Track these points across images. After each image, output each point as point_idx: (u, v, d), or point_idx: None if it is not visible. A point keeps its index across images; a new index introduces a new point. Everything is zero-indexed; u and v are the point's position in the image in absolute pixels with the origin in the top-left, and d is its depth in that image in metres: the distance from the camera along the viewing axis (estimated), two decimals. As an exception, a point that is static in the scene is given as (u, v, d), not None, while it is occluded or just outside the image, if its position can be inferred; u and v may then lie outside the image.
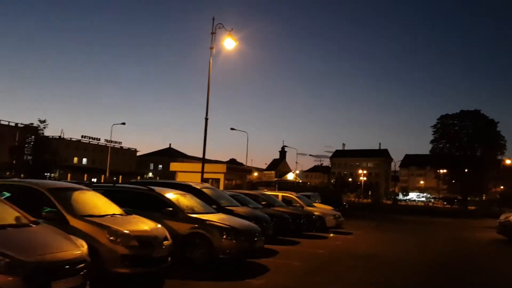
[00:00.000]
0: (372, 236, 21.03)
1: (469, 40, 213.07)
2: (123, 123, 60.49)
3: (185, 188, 13.35)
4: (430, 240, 20.40)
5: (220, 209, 12.51)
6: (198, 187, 13.64)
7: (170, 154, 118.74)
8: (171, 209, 10.45)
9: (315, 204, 22.86)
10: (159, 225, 9.03)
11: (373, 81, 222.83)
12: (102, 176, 73.53)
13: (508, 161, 68.14)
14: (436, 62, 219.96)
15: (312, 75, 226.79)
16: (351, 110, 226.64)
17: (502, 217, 23.03)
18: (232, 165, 52.76)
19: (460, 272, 12.08)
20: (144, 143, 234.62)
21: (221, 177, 48.03)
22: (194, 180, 43.75)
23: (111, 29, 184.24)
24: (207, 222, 10.28)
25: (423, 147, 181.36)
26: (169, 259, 8.63)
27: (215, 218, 10.66)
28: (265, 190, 27.62)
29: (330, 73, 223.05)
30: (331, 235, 18.99)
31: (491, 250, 17.94)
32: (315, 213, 19.59)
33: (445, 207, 69.65)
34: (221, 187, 45.38)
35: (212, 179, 49.15)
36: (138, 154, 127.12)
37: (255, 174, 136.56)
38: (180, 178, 50.37)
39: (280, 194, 21.21)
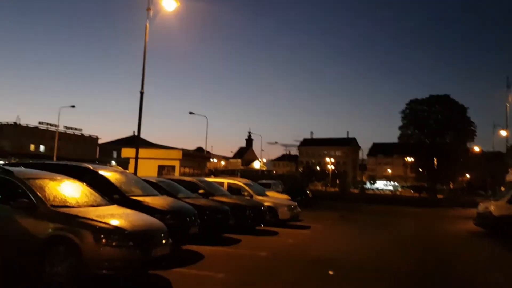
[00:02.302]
0: (333, 230, 17.94)
1: (436, 25, 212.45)
2: (73, 106, 56.45)
3: (79, 171, 9.94)
4: (401, 236, 17.40)
5: (123, 200, 9.15)
6: (98, 171, 10.15)
7: (134, 142, 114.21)
8: (26, 200, 6.99)
9: (268, 193, 19.62)
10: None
11: (342, 68, 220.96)
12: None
13: (476, 149, 66.55)
14: (404, 48, 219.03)
15: (279, 63, 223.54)
16: (320, 98, 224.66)
17: (481, 207, 20.36)
18: (189, 151, 49.02)
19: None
20: (110, 131, 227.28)
21: (176, 164, 44.54)
22: (147, 167, 39.99)
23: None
24: (78, 220, 6.83)
25: (392, 135, 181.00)
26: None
27: (96, 213, 7.22)
28: (212, 176, 24.25)
29: (297, 61, 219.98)
30: (284, 229, 15.79)
31: (478, 249, 14.99)
32: (266, 203, 16.33)
33: (414, 196, 67.77)
34: (177, 174, 41.87)
35: (167, 166, 45.75)
36: (101, 142, 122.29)
37: (222, 162, 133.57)
38: (132, 165, 46.76)
39: (225, 181, 17.81)
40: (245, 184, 17.67)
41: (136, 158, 20.34)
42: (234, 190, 17.30)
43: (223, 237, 12.66)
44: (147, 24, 19.43)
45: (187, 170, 46.59)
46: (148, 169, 38.95)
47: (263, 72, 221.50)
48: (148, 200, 9.75)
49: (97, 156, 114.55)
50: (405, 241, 15.56)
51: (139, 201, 9.53)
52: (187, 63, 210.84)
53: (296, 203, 18.35)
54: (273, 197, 18.04)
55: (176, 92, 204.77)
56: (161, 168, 44.64)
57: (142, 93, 19.50)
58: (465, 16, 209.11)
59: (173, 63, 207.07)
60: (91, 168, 10.21)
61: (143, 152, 47.17)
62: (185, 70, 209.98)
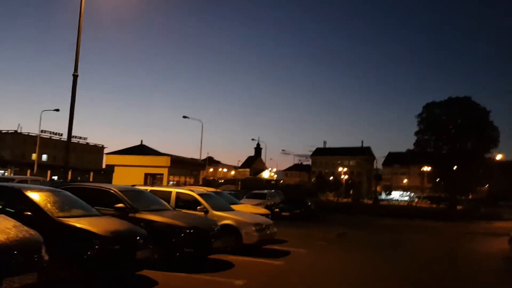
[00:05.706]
0: (320, 259, 13.00)
1: (454, 24, 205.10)
2: (57, 110, 52.57)
3: None
4: (417, 269, 12.58)
5: None
6: None
7: (141, 151, 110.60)
8: None
9: (238, 207, 15.01)
10: None
11: (356, 77, 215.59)
12: (28, 172, 65.37)
13: (499, 156, 61.18)
14: (420, 50, 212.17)
15: (292, 70, 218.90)
16: (333, 106, 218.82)
17: (520, 225, 15.59)
18: (180, 157, 44.47)
19: None
20: (117, 140, 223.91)
21: (164, 172, 40.21)
22: (134, 175, 35.23)
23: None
24: None
25: (408, 145, 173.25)
26: None
27: None
28: (156, 185, 19.68)
29: (310, 68, 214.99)
30: (245, 259, 11.13)
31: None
32: (224, 221, 11.75)
33: (431, 207, 62.51)
34: (164, 184, 37.33)
35: (156, 174, 41.46)
36: (108, 151, 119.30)
37: (232, 172, 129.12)
38: (117, 173, 42.43)
39: (173, 190, 13.20)
40: (200, 194, 12.96)
41: (66, 160, 15.87)
42: (185, 202, 12.72)
43: (137, 277, 8.10)
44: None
45: (177, 178, 42.15)
46: (135, 178, 34.63)
47: (275, 81, 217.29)
48: None
49: (103, 165, 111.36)
50: (426, 282, 10.76)
51: None
52: (198, 71, 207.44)
53: (271, 221, 13.58)
54: (240, 213, 13.25)
55: (187, 102, 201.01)
56: (149, 177, 40.28)
57: (75, 76, 15.17)
58: (484, 13, 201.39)
59: (180, 71, 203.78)
60: None
61: (129, 159, 42.80)
62: (194, 77, 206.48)
